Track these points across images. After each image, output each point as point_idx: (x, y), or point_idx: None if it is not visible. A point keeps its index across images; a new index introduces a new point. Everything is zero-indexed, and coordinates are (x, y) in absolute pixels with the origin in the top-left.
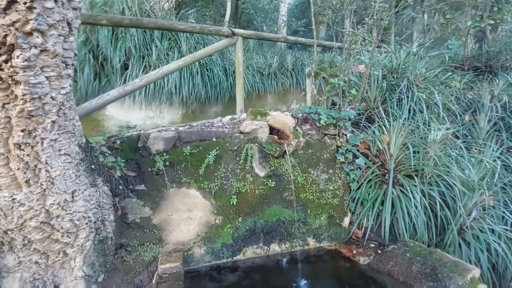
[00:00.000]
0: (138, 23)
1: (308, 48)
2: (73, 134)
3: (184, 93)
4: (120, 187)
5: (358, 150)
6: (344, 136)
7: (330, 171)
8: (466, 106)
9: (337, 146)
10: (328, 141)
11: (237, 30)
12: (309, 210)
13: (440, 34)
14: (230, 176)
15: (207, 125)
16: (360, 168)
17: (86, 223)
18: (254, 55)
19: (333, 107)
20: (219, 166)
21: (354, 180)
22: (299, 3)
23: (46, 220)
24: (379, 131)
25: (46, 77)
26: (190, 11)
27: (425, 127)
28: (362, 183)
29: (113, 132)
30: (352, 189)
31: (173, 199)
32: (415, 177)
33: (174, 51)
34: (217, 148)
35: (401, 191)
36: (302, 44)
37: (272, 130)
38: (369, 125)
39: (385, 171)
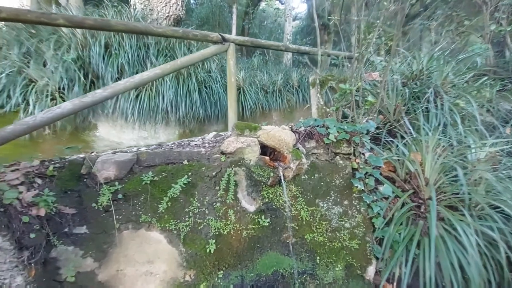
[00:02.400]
0: (104, 25)
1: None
2: None
3: (181, 112)
4: (33, 235)
5: (381, 174)
6: (362, 156)
7: (345, 202)
8: (502, 118)
9: (353, 169)
10: (341, 162)
11: (228, 36)
12: (318, 257)
13: (462, 41)
14: (206, 212)
15: (182, 144)
16: (386, 198)
17: None
18: (258, 72)
19: (345, 121)
20: (191, 199)
21: (379, 214)
22: (305, 26)
23: None
24: (407, 148)
25: None
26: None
27: (462, 143)
28: (390, 219)
29: None
30: (376, 227)
31: (127, 246)
32: (463, 209)
33: None
34: (190, 173)
35: (443, 228)
36: (305, 53)
37: (266, 149)
38: (392, 140)
39: (420, 201)
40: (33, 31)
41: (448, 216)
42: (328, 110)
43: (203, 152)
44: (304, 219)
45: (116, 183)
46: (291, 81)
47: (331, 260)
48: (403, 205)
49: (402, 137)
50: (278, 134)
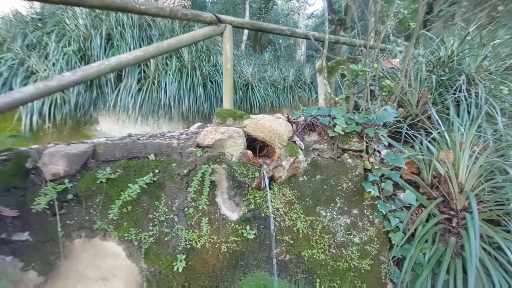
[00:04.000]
0: None
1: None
2: None
3: (184, 107)
4: None
5: (401, 177)
6: (377, 154)
7: (354, 211)
8: None
9: (365, 170)
10: (350, 161)
11: (224, 17)
12: (318, 279)
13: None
14: (176, 219)
15: (158, 135)
16: (407, 208)
17: None
18: (268, 67)
19: (358, 112)
20: (156, 203)
21: (398, 228)
22: (321, 23)
23: None
24: (435, 146)
25: None
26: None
27: (501, 140)
28: (412, 234)
29: None
30: (394, 244)
31: (79, 258)
32: (509, 224)
33: (172, 60)
34: (156, 171)
35: (482, 248)
36: (315, 39)
37: (257, 143)
38: (415, 134)
39: (451, 212)
40: (39, 24)
41: (490, 232)
42: (337, 99)
43: (174, 145)
44: (300, 231)
45: (66, 180)
46: (303, 77)
47: (335, 284)
48: (429, 217)
49: (428, 133)
50: (268, 124)
